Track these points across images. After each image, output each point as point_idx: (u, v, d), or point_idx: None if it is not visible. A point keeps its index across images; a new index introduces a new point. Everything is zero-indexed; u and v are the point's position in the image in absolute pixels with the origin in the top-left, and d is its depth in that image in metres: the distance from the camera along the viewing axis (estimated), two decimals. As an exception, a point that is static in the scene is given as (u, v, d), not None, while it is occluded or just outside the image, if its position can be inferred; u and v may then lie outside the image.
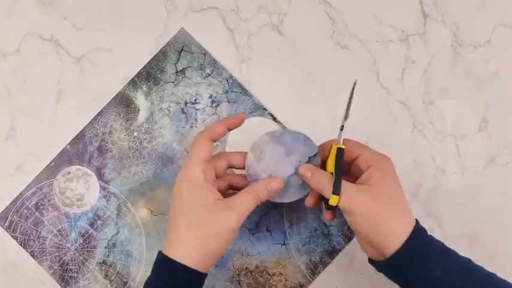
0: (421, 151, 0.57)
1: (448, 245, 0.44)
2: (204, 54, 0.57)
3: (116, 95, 0.56)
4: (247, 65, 0.57)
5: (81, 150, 0.56)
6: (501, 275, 0.43)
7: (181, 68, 0.56)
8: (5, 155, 0.56)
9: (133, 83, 0.56)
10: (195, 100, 0.56)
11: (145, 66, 0.57)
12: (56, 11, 0.57)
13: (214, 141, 0.47)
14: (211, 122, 0.56)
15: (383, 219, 0.43)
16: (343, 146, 0.46)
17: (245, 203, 0.45)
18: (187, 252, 0.43)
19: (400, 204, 0.45)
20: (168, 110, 0.56)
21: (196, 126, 0.56)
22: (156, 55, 0.56)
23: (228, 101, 0.56)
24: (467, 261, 0.44)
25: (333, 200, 0.43)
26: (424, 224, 0.45)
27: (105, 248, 0.55)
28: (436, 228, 0.56)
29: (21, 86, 0.57)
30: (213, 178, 0.47)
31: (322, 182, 0.45)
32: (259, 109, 0.56)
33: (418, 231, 0.44)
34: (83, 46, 0.57)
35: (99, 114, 0.56)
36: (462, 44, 0.58)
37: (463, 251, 0.44)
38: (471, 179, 0.57)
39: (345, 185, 0.44)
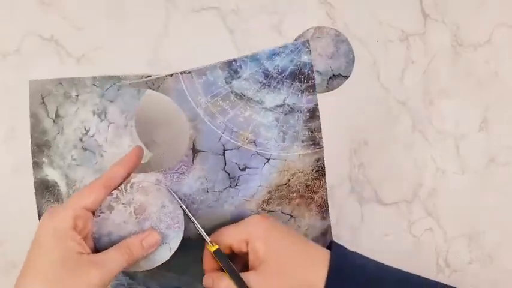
0: (421, 151, 0.57)
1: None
2: (61, 83, 0.49)
3: (34, 184, 0.50)
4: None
5: None
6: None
7: (54, 114, 0.49)
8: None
9: (36, 164, 0.50)
10: (85, 128, 0.49)
11: (31, 141, 0.50)
12: (56, 11, 0.57)
13: (111, 189, 0.42)
14: (114, 135, 0.49)
15: (297, 281, 0.41)
16: (216, 246, 0.43)
17: (113, 259, 0.40)
18: None
19: (302, 252, 0.43)
20: (75, 160, 0.49)
21: (105, 151, 0.49)
22: (31, 124, 0.50)
23: (111, 101, 0.49)
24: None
25: None
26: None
27: None
28: (436, 228, 0.56)
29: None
30: (87, 228, 0.41)
31: (226, 287, 0.41)
32: (142, 83, 0.47)
33: (334, 271, 0.42)
34: (83, 46, 0.57)
35: (38, 215, 0.50)
36: (462, 44, 0.58)
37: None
38: (471, 179, 0.57)
39: (249, 278, 0.41)
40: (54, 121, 0.50)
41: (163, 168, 0.46)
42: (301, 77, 0.45)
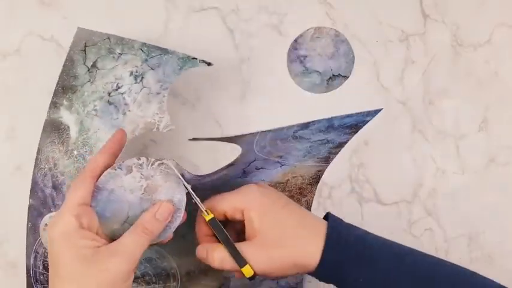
0: (421, 151, 0.57)
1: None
2: (109, 38, 0.51)
3: (45, 122, 0.52)
4: (247, 65, 0.57)
5: (43, 198, 0.51)
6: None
7: (91, 64, 0.51)
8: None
9: (54, 104, 0.52)
10: (117, 85, 0.51)
11: (58, 82, 0.52)
12: (56, 11, 0.57)
13: (97, 178, 0.42)
14: (143, 99, 0.50)
15: (294, 252, 0.41)
16: (211, 215, 0.43)
17: (131, 242, 0.40)
18: None
19: (299, 223, 0.43)
20: (95, 110, 0.51)
21: (129, 110, 0.51)
22: (64, 66, 0.52)
23: (151, 68, 0.51)
24: (398, 260, 0.42)
25: (247, 272, 0.41)
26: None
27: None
28: (436, 228, 0.56)
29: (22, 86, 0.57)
30: (94, 222, 0.41)
31: (221, 258, 0.42)
32: (189, 61, 0.50)
33: (331, 240, 0.41)
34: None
35: (37, 152, 0.52)
36: (462, 44, 0.58)
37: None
38: (471, 179, 0.57)
39: (244, 249, 0.41)
40: (89, 70, 0.51)
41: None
42: (353, 127, 0.46)
